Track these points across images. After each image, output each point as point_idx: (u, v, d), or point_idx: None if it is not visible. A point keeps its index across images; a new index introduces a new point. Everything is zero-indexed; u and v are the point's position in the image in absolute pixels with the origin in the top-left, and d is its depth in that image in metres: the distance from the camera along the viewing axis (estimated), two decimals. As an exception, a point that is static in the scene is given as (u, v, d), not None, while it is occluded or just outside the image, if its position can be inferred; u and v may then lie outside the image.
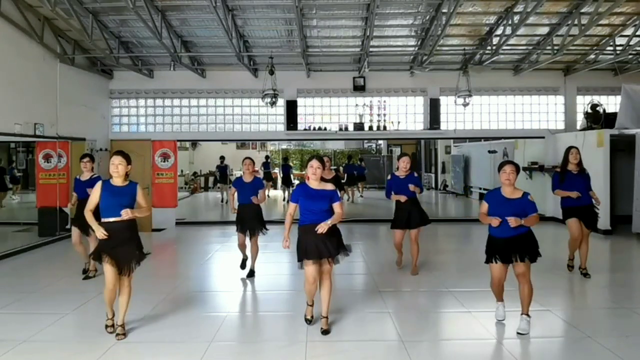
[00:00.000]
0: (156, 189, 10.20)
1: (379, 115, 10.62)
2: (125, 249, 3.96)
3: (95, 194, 3.97)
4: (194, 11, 8.09)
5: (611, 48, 9.14)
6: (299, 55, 9.24)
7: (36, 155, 8.73)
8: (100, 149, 9.78)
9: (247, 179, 5.91)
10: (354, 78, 10.42)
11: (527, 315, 4.01)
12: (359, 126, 10.54)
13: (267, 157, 16.94)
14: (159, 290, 5.26)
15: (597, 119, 9.49)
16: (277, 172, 18.23)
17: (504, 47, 8.86)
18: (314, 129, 10.57)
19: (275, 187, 18.29)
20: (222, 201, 14.80)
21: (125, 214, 3.87)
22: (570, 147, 5.81)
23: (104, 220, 3.95)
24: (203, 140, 14.07)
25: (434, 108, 10.48)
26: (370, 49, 9.12)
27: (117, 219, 3.93)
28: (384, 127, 10.57)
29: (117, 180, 4.00)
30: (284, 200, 14.79)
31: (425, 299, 5.12)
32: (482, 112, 10.72)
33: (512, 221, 3.85)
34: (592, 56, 9.94)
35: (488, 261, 4.14)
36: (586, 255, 5.78)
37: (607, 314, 4.66)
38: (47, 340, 3.93)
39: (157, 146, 10.31)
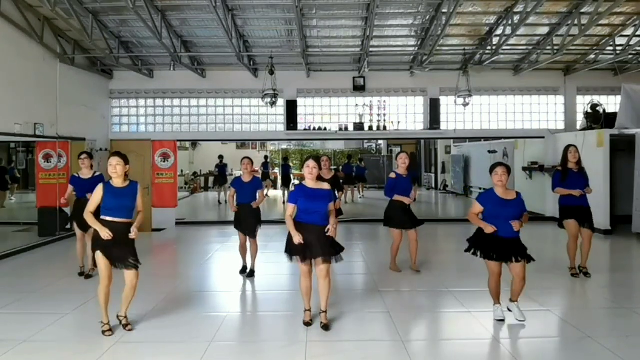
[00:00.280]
0: (156, 189, 10.21)
1: (379, 115, 10.62)
2: (121, 248, 4.00)
3: (96, 196, 4.01)
4: (194, 11, 8.09)
5: (611, 48, 9.14)
6: (299, 55, 9.24)
7: (36, 155, 8.74)
8: (100, 149, 9.78)
9: (246, 179, 5.91)
10: (354, 78, 10.42)
11: (517, 301, 4.29)
12: (359, 126, 10.54)
13: (266, 157, 16.94)
14: (159, 290, 5.27)
15: (597, 119, 9.49)
16: (277, 172, 18.22)
17: (504, 47, 8.86)
18: (314, 129, 10.57)
19: (275, 187, 18.29)
20: (219, 202, 14.70)
21: (135, 234, 4.02)
22: (568, 146, 5.81)
23: (104, 218, 3.99)
24: (203, 140, 14.07)
25: (434, 108, 10.48)
26: (370, 49, 9.11)
27: (118, 219, 3.98)
28: (384, 127, 10.57)
29: (118, 181, 4.04)
30: (283, 203, 14.78)
31: (425, 299, 5.12)
32: (482, 112, 10.72)
33: (517, 225, 4.06)
34: (592, 56, 9.93)
35: (484, 256, 4.23)
36: (587, 254, 5.78)
37: (607, 314, 4.66)
38: (47, 340, 3.93)
39: (157, 146, 10.31)
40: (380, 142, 20.90)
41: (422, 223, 6.09)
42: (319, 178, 4.36)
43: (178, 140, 10.68)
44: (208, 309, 4.83)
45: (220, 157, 14.97)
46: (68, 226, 8.66)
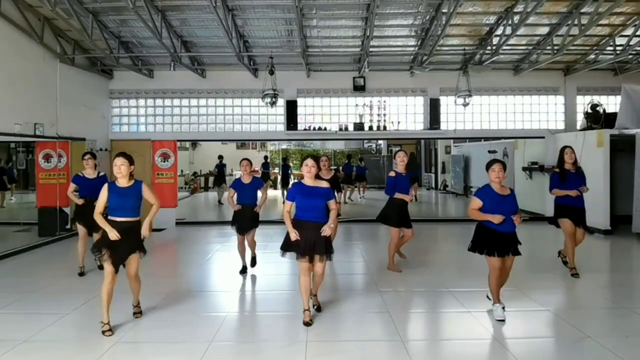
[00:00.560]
0: (156, 189, 10.14)
1: (379, 115, 10.62)
2: (125, 246, 4.07)
3: (102, 197, 4.11)
4: (194, 11, 8.09)
5: (611, 48, 9.14)
6: (299, 55, 9.24)
7: (36, 155, 8.74)
8: (100, 149, 9.78)
9: (246, 180, 5.94)
10: (354, 78, 10.42)
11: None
12: (359, 126, 10.54)
13: (266, 157, 16.95)
14: (159, 290, 5.27)
15: (597, 119, 9.49)
16: (276, 172, 18.22)
17: (504, 47, 8.86)
18: (314, 129, 10.57)
19: (275, 187, 18.29)
20: (219, 202, 14.65)
21: (145, 232, 4.15)
22: (564, 147, 5.82)
23: (111, 218, 4.09)
24: (203, 140, 14.06)
25: (434, 108, 10.48)
26: (370, 49, 9.11)
27: (123, 219, 4.08)
28: (384, 127, 10.57)
29: (122, 181, 4.13)
30: (283, 203, 14.75)
31: (425, 299, 5.11)
32: (482, 112, 10.72)
33: (518, 219, 4.17)
34: (592, 56, 9.93)
35: (487, 253, 4.28)
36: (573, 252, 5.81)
37: (607, 314, 4.66)
38: (47, 340, 3.93)
39: (157, 146, 10.31)
40: (380, 142, 20.90)
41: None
42: (318, 178, 4.38)
43: (178, 140, 10.68)
44: (208, 309, 4.83)
45: (220, 157, 14.99)
46: (68, 226, 8.68)
